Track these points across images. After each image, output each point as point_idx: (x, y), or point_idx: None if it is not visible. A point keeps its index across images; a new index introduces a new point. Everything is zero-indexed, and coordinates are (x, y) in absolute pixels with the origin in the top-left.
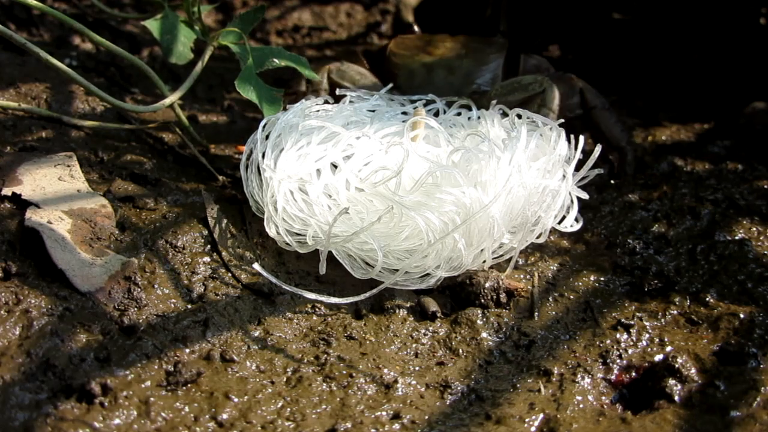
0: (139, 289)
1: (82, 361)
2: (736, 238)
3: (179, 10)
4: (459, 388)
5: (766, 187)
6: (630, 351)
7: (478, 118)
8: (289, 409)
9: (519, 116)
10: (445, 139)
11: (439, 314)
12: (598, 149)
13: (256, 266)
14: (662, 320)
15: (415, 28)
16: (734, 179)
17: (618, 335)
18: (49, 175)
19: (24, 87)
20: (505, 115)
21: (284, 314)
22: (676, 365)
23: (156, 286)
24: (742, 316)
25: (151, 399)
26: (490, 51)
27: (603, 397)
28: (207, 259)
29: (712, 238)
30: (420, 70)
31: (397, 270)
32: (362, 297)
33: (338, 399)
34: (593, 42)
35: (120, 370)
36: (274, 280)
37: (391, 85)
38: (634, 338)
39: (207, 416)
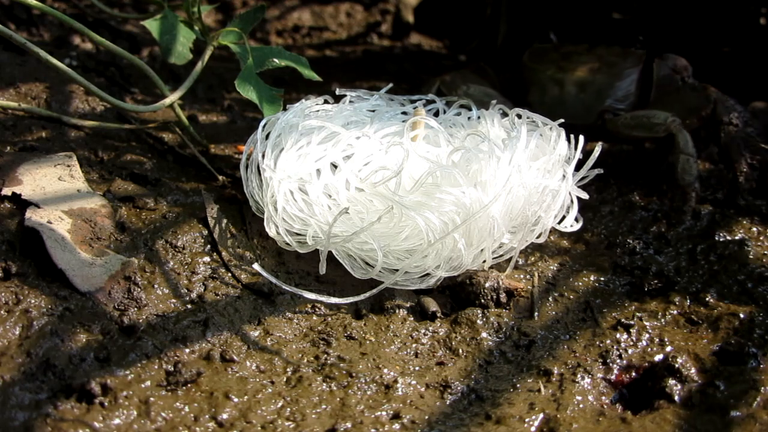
0: (139, 289)
1: (82, 361)
2: (736, 238)
3: (179, 10)
4: (459, 388)
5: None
6: (630, 351)
7: (478, 118)
8: (289, 409)
9: (519, 116)
10: (445, 139)
11: (439, 314)
12: (598, 149)
13: (256, 266)
14: (662, 320)
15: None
16: (734, 179)
17: (618, 335)
18: (49, 175)
19: (24, 87)
20: (505, 115)
21: (284, 314)
22: (676, 365)
23: (156, 286)
24: (742, 316)
25: (151, 399)
26: (625, 65)
27: (603, 397)
28: (207, 259)
29: (712, 238)
30: (551, 86)
31: (397, 270)
32: (362, 297)
33: (338, 399)
34: (593, 42)
35: (120, 370)
36: (274, 280)
37: (390, 85)
38: (634, 338)
39: (207, 416)
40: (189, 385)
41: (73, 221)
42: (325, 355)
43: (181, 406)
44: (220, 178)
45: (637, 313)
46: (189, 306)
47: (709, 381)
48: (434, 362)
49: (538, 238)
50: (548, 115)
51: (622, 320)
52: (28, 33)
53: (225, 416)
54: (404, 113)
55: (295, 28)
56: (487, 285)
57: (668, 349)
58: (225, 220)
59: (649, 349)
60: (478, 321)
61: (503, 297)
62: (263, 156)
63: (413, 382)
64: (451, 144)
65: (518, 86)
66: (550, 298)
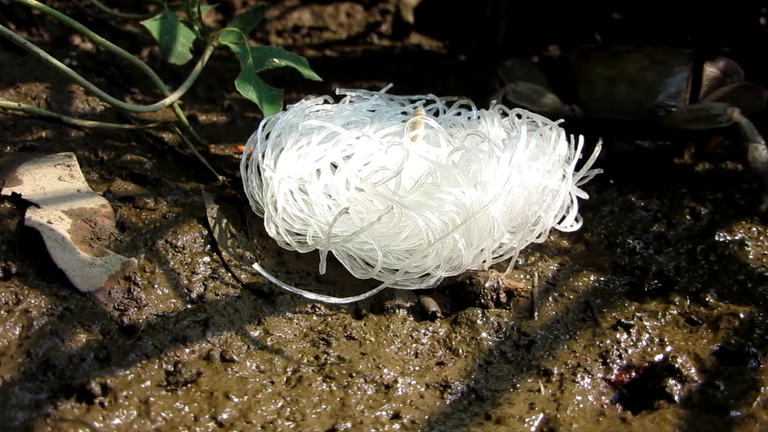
0: (139, 289)
1: (82, 361)
2: (736, 238)
3: (179, 10)
4: (459, 388)
5: None
6: (630, 351)
7: (478, 118)
8: (289, 409)
9: (519, 116)
10: (445, 139)
11: (439, 314)
12: (598, 149)
13: (256, 266)
14: (662, 320)
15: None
16: (734, 179)
17: (618, 335)
18: (49, 175)
19: (24, 87)
20: (505, 114)
21: (284, 314)
22: (676, 365)
23: (156, 286)
24: (742, 316)
25: (151, 399)
26: (675, 63)
27: (603, 397)
28: (207, 259)
29: (712, 238)
30: (601, 84)
31: (397, 270)
32: (362, 297)
33: (338, 399)
34: (593, 42)
35: (120, 370)
36: (274, 280)
37: (390, 85)
38: (634, 338)
39: (207, 416)
40: (189, 385)
41: (73, 221)
42: (325, 355)
43: (181, 406)
44: (220, 178)
45: (637, 313)
46: (189, 306)
47: (709, 381)
48: (434, 362)
49: (538, 238)
50: (599, 112)
51: (622, 320)
52: (28, 33)
53: (225, 416)
54: (404, 113)
55: (295, 28)
56: (487, 285)
57: (668, 349)
58: (225, 220)
59: (649, 349)
60: (478, 321)
61: (503, 297)
62: (263, 156)
63: (413, 382)
64: (451, 144)
65: (566, 85)
66: (550, 298)
